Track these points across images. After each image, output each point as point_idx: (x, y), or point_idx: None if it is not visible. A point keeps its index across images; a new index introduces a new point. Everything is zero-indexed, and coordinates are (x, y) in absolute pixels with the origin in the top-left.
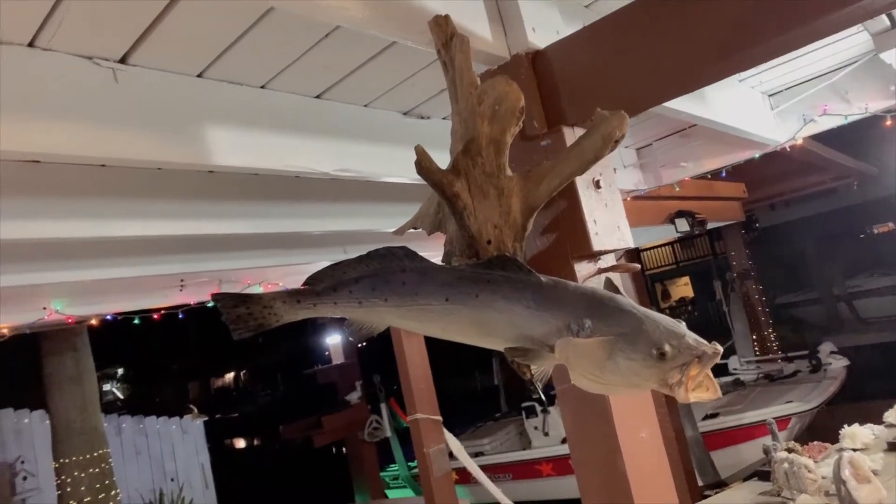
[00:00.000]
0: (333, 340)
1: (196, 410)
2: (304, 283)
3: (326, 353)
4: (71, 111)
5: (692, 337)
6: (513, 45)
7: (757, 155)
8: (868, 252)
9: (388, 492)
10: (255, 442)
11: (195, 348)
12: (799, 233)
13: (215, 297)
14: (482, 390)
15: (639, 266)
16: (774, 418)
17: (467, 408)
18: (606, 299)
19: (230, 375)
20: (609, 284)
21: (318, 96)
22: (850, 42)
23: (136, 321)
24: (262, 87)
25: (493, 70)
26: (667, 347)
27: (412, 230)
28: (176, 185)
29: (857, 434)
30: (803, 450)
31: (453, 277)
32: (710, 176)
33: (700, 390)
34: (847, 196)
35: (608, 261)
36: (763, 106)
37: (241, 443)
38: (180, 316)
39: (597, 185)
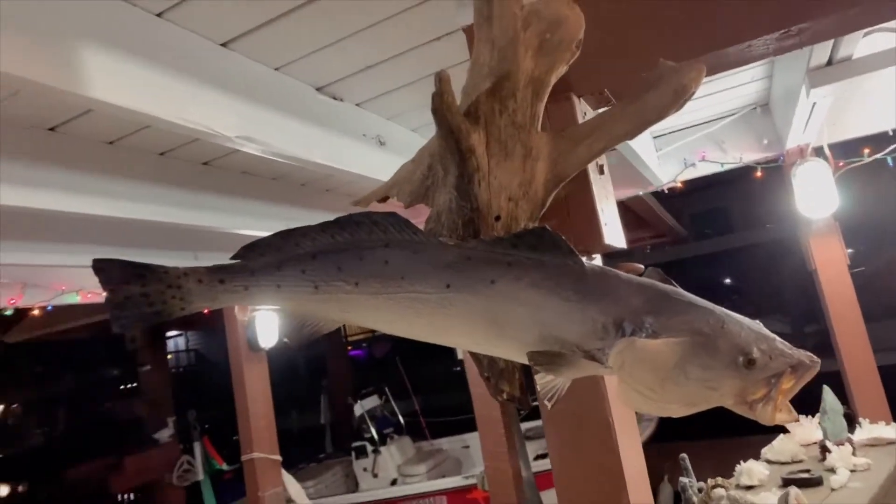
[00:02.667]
0: (143, 368)
1: None
2: (235, 256)
3: (130, 384)
4: None
5: (782, 342)
6: None
7: (641, 192)
8: None
9: None
10: (22, 489)
11: None
12: None
13: (98, 263)
14: (305, 429)
15: (643, 267)
16: None
17: (289, 448)
18: (671, 292)
19: None
20: (656, 275)
21: (224, 44)
22: (732, 94)
23: None
24: (159, 14)
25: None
26: (756, 353)
27: (378, 202)
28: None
29: (753, 470)
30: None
31: (459, 258)
32: None
33: (783, 411)
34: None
35: (598, 261)
36: (650, 146)
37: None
38: None
39: (601, 170)
